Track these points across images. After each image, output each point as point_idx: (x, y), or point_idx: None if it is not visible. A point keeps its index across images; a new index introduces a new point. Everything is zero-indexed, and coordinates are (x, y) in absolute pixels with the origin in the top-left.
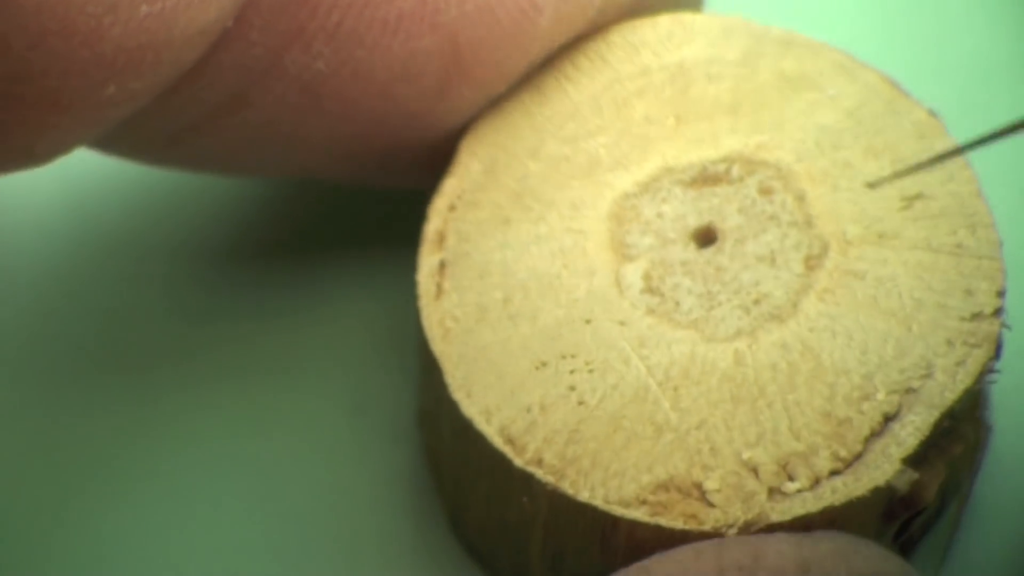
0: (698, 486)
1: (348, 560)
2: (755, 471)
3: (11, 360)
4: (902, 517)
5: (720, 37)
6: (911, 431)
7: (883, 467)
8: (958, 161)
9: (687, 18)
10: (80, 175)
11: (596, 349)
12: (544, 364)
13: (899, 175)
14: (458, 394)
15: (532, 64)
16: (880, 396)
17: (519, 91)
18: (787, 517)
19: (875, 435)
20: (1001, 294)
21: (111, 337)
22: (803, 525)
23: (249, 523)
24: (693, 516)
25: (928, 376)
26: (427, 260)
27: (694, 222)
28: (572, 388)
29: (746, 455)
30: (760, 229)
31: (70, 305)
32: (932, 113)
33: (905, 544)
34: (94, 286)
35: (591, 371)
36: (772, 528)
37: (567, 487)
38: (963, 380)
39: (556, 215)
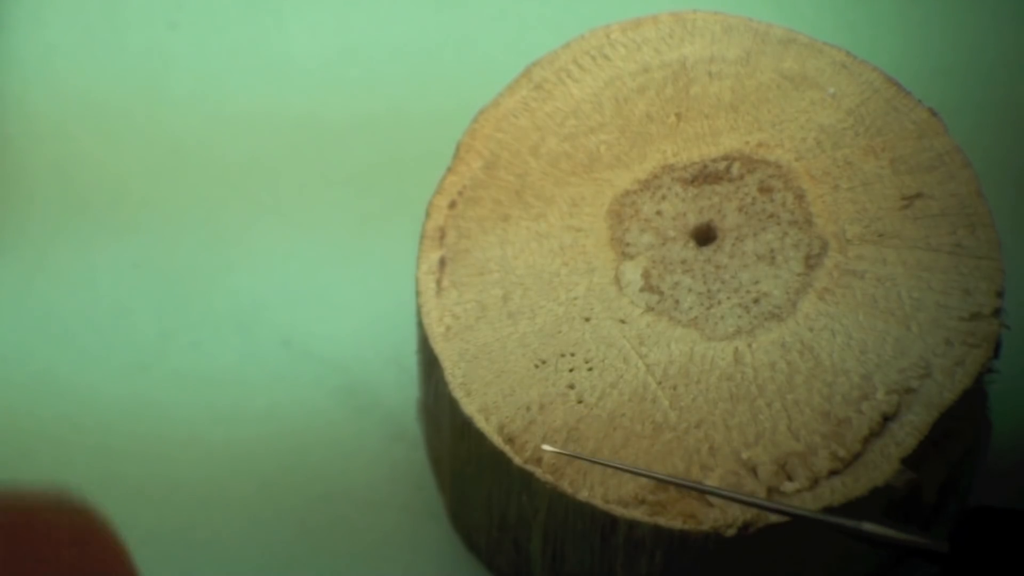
0: None
1: (350, 557)
2: (754, 471)
3: None
4: (901, 517)
5: (721, 35)
6: (910, 431)
7: (882, 467)
8: (958, 160)
9: (688, 16)
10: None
11: (595, 347)
12: (543, 362)
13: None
14: (458, 392)
15: None
16: (879, 396)
17: (520, 87)
18: (785, 517)
19: (874, 435)
20: (1000, 294)
21: (110, 335)
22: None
23: (251, 521)
24: (692, 515)
25: (927, 376)
26: (427, 257)
27: (694, 220)
28: (571, 386)
29: (745, 454)
30: (760, 228)
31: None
32: (933, 112)
33: None
34: (96, 282)
35: (590, 369)
36: (770, 528)
37: (566, 486)
38: (962, 380)
39: (556, 212)
